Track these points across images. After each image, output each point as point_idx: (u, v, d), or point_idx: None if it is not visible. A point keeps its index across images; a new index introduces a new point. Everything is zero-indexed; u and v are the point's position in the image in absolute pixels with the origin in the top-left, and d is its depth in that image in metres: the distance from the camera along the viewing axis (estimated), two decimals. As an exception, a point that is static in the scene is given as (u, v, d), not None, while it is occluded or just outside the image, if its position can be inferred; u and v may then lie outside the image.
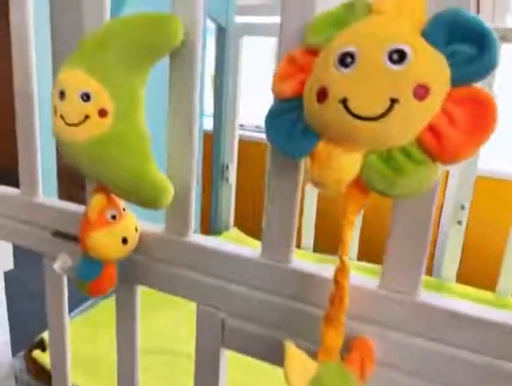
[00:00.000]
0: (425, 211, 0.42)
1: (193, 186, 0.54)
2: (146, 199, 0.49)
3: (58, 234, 0.65)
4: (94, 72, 0.46)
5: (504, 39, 1.05)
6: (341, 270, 0.42)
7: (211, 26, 1.36)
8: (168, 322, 0.93)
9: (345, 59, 0.37)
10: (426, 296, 0.44)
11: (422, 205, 0.42)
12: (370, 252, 1.27)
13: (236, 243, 0.55)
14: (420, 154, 0.37)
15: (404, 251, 0.43)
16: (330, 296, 0.43)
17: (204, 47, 1.26)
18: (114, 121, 0.47)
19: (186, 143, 0.52)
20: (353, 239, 1.35)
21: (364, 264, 1.33)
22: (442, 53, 0.36)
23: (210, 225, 1.52)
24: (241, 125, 1.73)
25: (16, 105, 0.64)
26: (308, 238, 1.45)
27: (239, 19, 1.36)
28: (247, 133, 1.87)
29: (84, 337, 0.89)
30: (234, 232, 1.50)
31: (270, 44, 1.87)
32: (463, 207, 1.22)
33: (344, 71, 0.37)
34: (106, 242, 0.51)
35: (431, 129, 0.36)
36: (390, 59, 0.35)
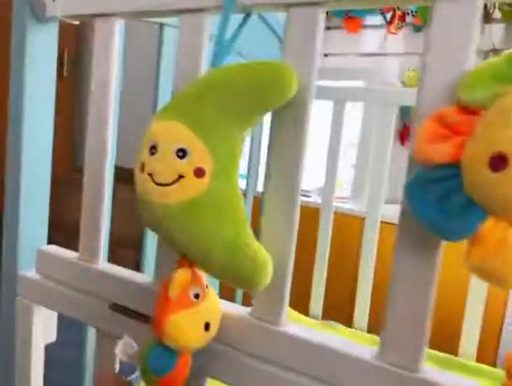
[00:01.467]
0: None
1: (291, 266, 0.45)
2: (242, 276, 0.40)
3: (116, 307, 0.56)
4: (193, 126, 0.40)
5: None
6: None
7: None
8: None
9: (535, 119, 0.29)
10: None
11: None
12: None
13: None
14: None
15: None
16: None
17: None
18: (210, 181, 0.39)
19: (286, 216, 0.44)
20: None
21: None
22: None
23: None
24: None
25: (85, 178, 0.59)
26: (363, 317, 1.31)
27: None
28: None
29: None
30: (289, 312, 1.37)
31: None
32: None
33: (535, 133, 0.29)
34: (187, 328, 0.42)
35: None
36: None
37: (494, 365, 1.42)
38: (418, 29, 1.88)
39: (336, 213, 1.34)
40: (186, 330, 0.42)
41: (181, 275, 0.43)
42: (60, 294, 0.62)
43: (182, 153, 0.40)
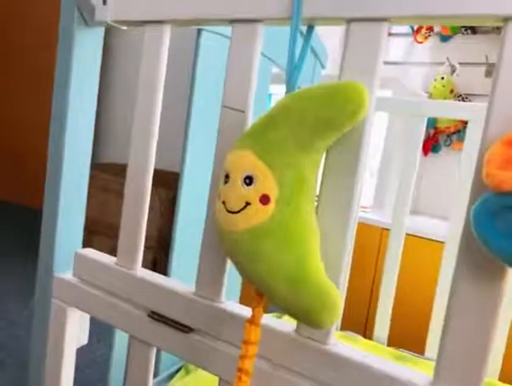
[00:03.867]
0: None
1: (344, 287, 0.44)
2: (306, 312, 0.39)
3: (156, 316, 0.56)
4: (261, 152, 0.39)
5: None
6: None
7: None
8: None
9: None
10: None
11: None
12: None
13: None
14: None
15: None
16: None
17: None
18: (276, 209, 0.39)
19: (340, 238, 0.43)
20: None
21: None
22: None
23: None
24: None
25: (128, 181, 0.59)
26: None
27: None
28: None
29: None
30: (341, 335, 1.36)
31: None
32: None
33: None
34: None
35: None
36: None
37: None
38: (445, 39, 1.86)
39: (357, 223, 1.32)
40: None
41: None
42: (96, 298, 0.62)
43: (249, 180, 0.40)
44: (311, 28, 0.45)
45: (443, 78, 1.80)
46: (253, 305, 0.44)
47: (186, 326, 0.53)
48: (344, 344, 0.44)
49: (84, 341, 0.68)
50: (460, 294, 0.38)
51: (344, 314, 1.36)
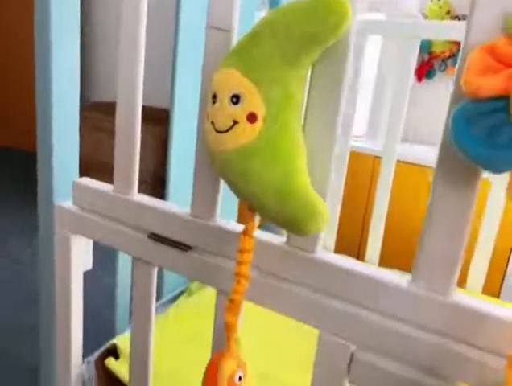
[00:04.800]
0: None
1: (328, 197, 0.46)
2: (293, 222, 0.42)
3: (155, 237, 0.59)
4: (247, 70, 0.40)
5: None
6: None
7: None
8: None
9: None
10: None
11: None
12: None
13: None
14: None
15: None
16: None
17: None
18: (263, 127, 0.40)
19: (326, 152, 0.45)
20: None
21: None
22: None
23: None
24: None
25: (118, 114, 0.59)
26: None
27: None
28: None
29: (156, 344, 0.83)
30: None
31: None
32: None
33: None
34: None
35: None
36: None
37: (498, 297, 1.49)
38: (443, -45, 1.77)
39: (350, 151, 1.34)
40: None
41: (229, 367, 0.47)
42: (97, 224, 0.65)
43: (236, 99, 0.41)
44: None
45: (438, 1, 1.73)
46: (246, 220, 0.47)
47: (185, 245, 0.57)
48: (329, 253, 0.48)
49: (89, 265, 0.72)
50: (437, 199, 0.41)
51: (338, 240, 1.42)
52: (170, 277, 1.03)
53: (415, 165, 1.65)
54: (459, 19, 1.78)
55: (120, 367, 0.76)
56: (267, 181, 0.41)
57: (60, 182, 0.67)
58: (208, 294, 0.85)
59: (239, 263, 0.47)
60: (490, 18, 0.36)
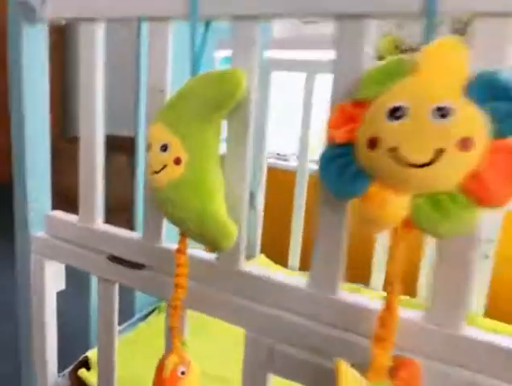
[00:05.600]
0: (469, 249, 0.46)
1: (244, 220, 0.58)
2: (210, 241, 0.54)
3: (113, 258, 0.70)
4: (171, 126, 0.53)
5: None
6: (393, 297, 0.46)
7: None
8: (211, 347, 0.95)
9: (396, 113, 0.42)
10: (469, 330, 0.47)
11: (466, 243, 0.46)
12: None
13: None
14: (464, 199, 0.41)
15: (449, 287, 0.47)
16: (380, 319, 0.46)
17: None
18: (186, 167, 0.52)
19: (239, 187, 0.57)
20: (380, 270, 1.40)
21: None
22: (483, 109, 0.40)
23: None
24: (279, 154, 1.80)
25: (80, 149, 0.71)
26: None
27: (270, 53, 1.44)
28: (274, 161, 1.91)
29: (126, 357, 0.93)
30: (261, 258, 1.53)
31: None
32: (490, 241, 1.23)
33: (395, 123, 0.42)
34: None
35: (475, 176, 0.40)
36: (436, 114, 0.40)
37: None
38: None
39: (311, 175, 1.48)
40: None
41: (171, 360, 0.58)
42: (66, 250, 0.76)
43: (164, 148, 0.53)
44: (208, 23, 0.57)
45: (388, 36, 1.90)
46: (179, 241, 0.58)
47: (138, 264, 0.68)
48: (251, 265, 0.60)
49: (62, 286, 0.83)
50: (323, 216, 0.53)
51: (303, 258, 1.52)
52: (141, 297, 1.13)
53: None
54: (407, 52, 1.94)
55: (91, 377, 0.86)
56: (190, 210, 0.53)
57: (34, 215, 0.78)
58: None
59: (176, 275, 0.59)
60: (346, 84, 0.49)
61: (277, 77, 1.49)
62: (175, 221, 0.56)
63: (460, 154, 0.40)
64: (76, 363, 0.90)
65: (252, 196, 1.54)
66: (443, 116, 0.40)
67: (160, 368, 0.60)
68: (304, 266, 1.57)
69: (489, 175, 0.40)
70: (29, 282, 0.80)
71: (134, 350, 0.95)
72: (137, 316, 1.11)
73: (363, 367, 0.47)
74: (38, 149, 0.78)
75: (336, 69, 0.50)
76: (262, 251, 1.56)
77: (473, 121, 0.40)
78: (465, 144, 0.39)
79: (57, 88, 2.52)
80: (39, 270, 0.79)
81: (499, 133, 0.40)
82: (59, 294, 0.84)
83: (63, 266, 0.81)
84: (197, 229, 0.54)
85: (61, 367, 0.89)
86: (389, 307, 0.46)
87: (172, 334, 0.61)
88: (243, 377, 0.61)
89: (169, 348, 0.62)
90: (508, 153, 0.40)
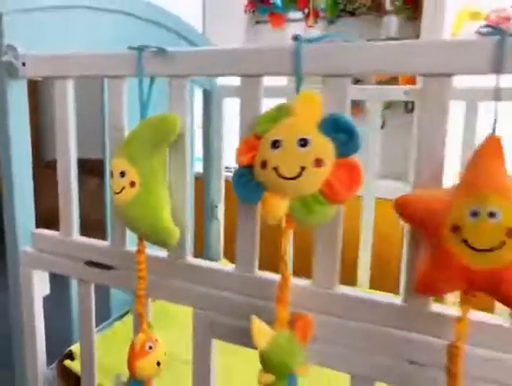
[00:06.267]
0: (333, 231, 0.66)
1: (188, 226, 0.78)
2: (160, 241, 0.74)
3: (90, 263, 0.88)
4: (127, 158, 0.72)
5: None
6: (285, 269, 0.66)
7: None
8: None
9: (276, 144, 0.62)
10: (342, 289, 0.67)
11: (331, 227, 0.66)
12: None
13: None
14: (322, 199, 0.61)
15: (325, 259, 0.67)
16: (279, 286, 0.66)
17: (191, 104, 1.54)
18: (140, 189, 0.72)
19: (182, 199, 0.77)
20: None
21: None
22: (330, 139, 0.61)
23: (202, 257, 1.74)
24: (227, 168, 1.99)
25: (58, 174, 0.89)
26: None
27: (223, 80, 1.64)
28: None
29: (104, 350, 1.10)
30: (223, 261, 1.72)
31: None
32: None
33: (275, 151, 0.62)
34: (147, 368, 0.77)
35: (327, 183, 0.61)
36: (299, 144, 0.60)
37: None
38: (330, 22, 2.20)
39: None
40: (146, 369, 0.77)
41: (140, 338, 0.77)
42: (50, 260, 0.93)
43: (122, 174, 0.72)
44: (152, 79, 0.77)
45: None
46: (138, 243, 0.77)
47: (108, 266, 0.86)
48: (195, 258, 0.79)
49: (47, 291, 1.00)
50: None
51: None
52: (116, 300, 1.30)
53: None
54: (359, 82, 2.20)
55: (75, 366, 1.02)
56: (143, 220, 0.72)
57: (22, 232, 0.96)
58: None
59: (138, 270, 0.77)
60: (248, 121, 0.69)
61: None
62: (133, 229, 0.75)
63: (316, 170, 0.60)
64: (61, 356, 1.07)
65: (214, 209, 1.74)
66: (304, 145, 0.61)
67: (132, 346, 0.78)
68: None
69: (335, 182, 0.60)
70: (20, 289, 0.97)
71: (111, 343, 1.12)
72: (113, 317, 1.28)
73: (273, 322, 0.67)
74: (23, 175, 0.95)
75: (241, 111, 0.70)
76: (226, 255, 1.75)
77: (323, 147, 0.60)
78: (318, 163, 0.60)
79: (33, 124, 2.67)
80: (27, 279, 0.96)
81: (340, 155, 0.61)
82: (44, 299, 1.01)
83: (47, 274, 0.98)
84: (150, 234, 0.73)
85: (48, 362, 1.05)
86: (283, 277, 0.66)
87: (140, 320, 0.79)
88: (194, 344, 0.80)
89: (138, 330, 0.80)
90: (346, 167, 0.61)
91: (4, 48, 0.86)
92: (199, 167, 1.71)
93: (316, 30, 2.26)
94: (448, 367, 0.56)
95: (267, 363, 0.64)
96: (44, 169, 2.28)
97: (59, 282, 1.03)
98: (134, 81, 0.76)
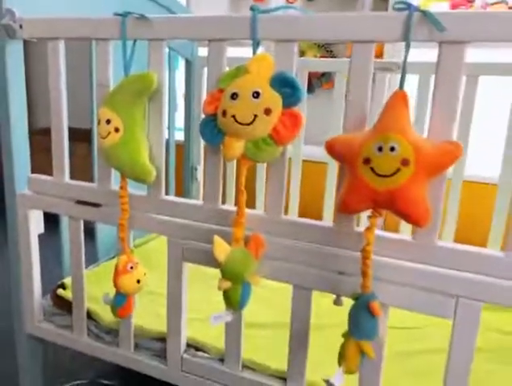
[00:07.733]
0: (280, 168, 0.82)
1: (163, 168, 0.92)
2: (139, 178, 0.89)
3: (79, 202, 1.03)
4: (112, 107, 0.86)
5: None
6: (241, 198, 0.81)
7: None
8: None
9: (233, 96, 0.77)
10: (286, 217, 0.83)
11: (279, 165, 0.82)
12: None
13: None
14: (271, 141, 0.76)
15: (273, 191, 0.83)
16: (236, 212, 0.82)
17: (174, 72, 1.66)
18: (123, 134, 0.86)
19: (159, 145, 0.91)
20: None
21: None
22: (278, 92, 0.75)
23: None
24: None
25: (52, 134, 1.02)
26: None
27: (204, 51, 1.76)
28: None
29: (92, 282, 1.25)
30: None
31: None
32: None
33: (234, 102, 0.77)
34: (128, 283, 0.92)
35: (275, 129, 0.76)
36: (253, 96, 0.75)
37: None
38: (309, -1, 2.31)
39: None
40: (127, 285, 0.92)
41: (122, 259, 0.92)
42: (44, 200, 1.07)
43: (108, 121, 0.86)
44: (135, 41, 0.90)
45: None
46: (120, 181, 0.92)
47: (96, 204, 1.01)
48: (170, 196, 0.94)
49: (41, 229, 1.14)
50: (206, 162, 0.88)
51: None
52: (103, 248, 1.45)
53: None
54: (326, 49, 2.32)
55: (67, 293, 1.18)
56: (126, 159, 0.87)
57: (19, 177, 1.09)
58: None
59: (121, 203, 0.92)
60: (213, 79, 0.83)
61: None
62: (117, 167, 0.90)
63: (266, 117, 0.75)
64: (55, 287, 1.22)
65: (194, 171, 1.88)
66: (257, 96, 0.75)
67: (116, 266, 0.94)
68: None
69: (281, 128, 0.75)
70: (17, 228, 1.11)
71: (99, 277, 1.27)
72: (101, 260, 1.43)
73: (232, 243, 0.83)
74: (20, 132, 1.08)
75: (209, 70, 0.84)
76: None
77: (272, 98, 0.75)
78: (268, 111, 0.75)
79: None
80: (24, 218, 1.10)
81: (286, 105, 0.75)
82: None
83: (42, 213, 1.12)
84: (131, 171, 0.88)
85: (43, 293, 1.20)
86: (238, 204, 0.81)
87: (122, 244, 0.94)
88: (168, 268, 0.96)
89: (121, 252, 0.95)
90: (291, 115, 0.76)
91: (3, 12, 0.97)
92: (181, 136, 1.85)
93: (297, 6, 2.36)
94: (363, 270, 0.73)
95: (225, 272, 0.80)
96: (35, 136, 2.38)
97: (52, 227, 1.18)
98: (119, 44, 0.89)
